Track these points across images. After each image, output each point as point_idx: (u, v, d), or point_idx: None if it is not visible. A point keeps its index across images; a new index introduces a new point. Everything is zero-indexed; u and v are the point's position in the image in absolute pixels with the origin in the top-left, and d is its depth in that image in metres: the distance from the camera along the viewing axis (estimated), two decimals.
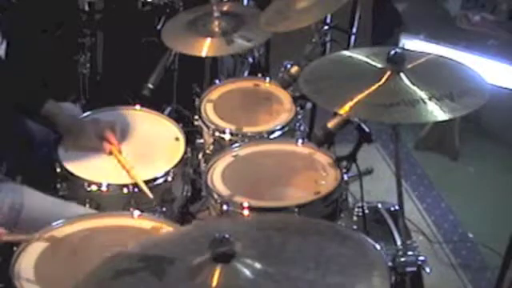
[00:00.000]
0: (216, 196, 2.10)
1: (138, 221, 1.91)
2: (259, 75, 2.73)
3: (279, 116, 2.47)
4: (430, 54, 1.97)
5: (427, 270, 1.94)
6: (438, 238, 3.09)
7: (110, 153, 2.22)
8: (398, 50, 1.83)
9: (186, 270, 1.33)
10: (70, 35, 3.13)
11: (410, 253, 1.94)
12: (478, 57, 3.30)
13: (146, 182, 2.12)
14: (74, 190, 2.16)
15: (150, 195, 2.09)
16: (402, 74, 1.80)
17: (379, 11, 3.94)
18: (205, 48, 2.53)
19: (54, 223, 1.86)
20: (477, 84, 1.83)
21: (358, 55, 1.96)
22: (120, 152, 2.22)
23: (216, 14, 2.59)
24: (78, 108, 2.51)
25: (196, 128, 2.51)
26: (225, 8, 2.68)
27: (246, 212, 2.01)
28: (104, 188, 2.11)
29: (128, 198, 2.11)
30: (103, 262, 1.42)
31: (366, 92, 1.77)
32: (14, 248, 1.79)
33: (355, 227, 2.19)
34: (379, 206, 2.27)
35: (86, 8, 3.19)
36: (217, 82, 2.69)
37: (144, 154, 2.25)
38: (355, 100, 1.75)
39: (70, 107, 2.44)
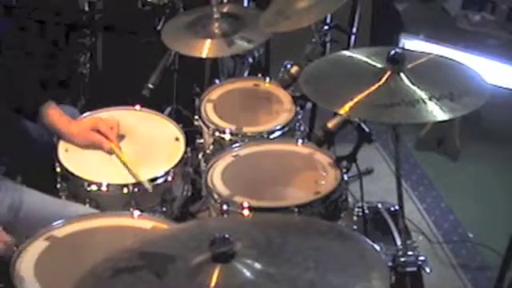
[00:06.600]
0: (216, 196, 2.10)
1: (138, 221, 1.91)
2: (259, 75, 2.73)
3: (279, 116, 2.47)
4: (430, 53, 1.97)
5: (427, 269, 1.94)
6: (437, 238, 3.09)
7: (110, 151, 2.22)
8: (397, 49, 1.83)
9: (185, 270, 1.33)
10: (69, 35, 3.13)
11: (410, 253, 1.94)
12: (478, 57, 3.30)
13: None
14: (74, 189, 2.16)
15: (150, 188, 2.09)
16: (402, 74, 1.80)
17: (379, 11, 3.94)
18: (205, 49, 2.53)
19: (54, 223, 1.86)
20: (477, 84, 1.83)
21: (357, 55, 1.96)
22: (120, 149, 2.22)
23: (216, 16, 2.59)
24: (76, 111, 2.50)
25: (196, 128, 2.51)
26: (225, 9, 2.68)
27: (246, 212, 2.01)
28: (104, 188, 2.11)
29: (128, 198, 2.11)
30: (102, 260, 1.42)
31: (366, 92, 1.77)
32: (14, 248, 1.79)
33: (355, 227, 2.19)
34: (379, 205, 2.27)
35: (86, 8, 3.20)
36: (217, 81, 2.69)
37: (144, 154, 2.25)
38: (355, 100, 1.75)
39: (68, 110, 2.44)
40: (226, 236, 1.32)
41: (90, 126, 2.24)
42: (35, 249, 1.79)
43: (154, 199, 2.14)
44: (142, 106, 2.47)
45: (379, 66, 1.86)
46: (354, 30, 3.02)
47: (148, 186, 2.10)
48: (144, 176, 2.13)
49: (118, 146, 2.22)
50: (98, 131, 2.23)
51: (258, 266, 1.32)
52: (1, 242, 1.79)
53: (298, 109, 2.48)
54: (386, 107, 1.72)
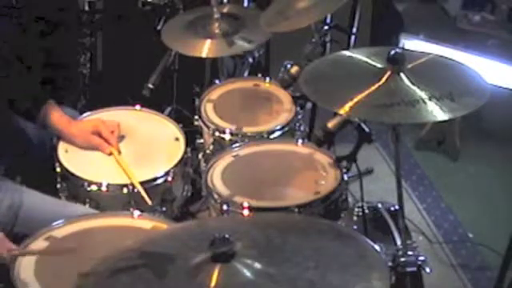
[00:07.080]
0: (216, 196, 2.10)
1: (138, 221, 1.91)
2: (259, 75, 2.73)
3: (279, 116, 2.47)
4: (430, 53, 1.98)
5: (427, 269, 1.94)
6: (438, 238, 3.09)
7: (110, 154, 2.22)
8: (397, 49, 1.83)
9: (185, 270, 1.33)
10: (70, 35, 3.12)
11: (410, 253, 1.94)
12: (478, 57, 3.30)
13: (146, 182, 2.13)
14: (73, 189, 2.16)
15: (149, 201, 2.09)
16: (402, 74, 1.81)
17: (379, 11, 3.94)
18: (205, 49, 2.53)
19: (54, 223, 1.86)
20: (477, 84, 1.83)
21: (357, 55, 1.96)
22: (120, 153, 2.22)
23: (216, 16, 2.59)
24: (76, 113, 2.50)
25: (196, 128, 2.51)
26: (225, 10, 2.68)
27: (246, 212, 2.01)
28: (104, 188, 2.11)
29: (128, 197, 2.11)
30: (102, 260, 1.42)
31: (366, 92, 1.77)
32: (16, 252, 1.79)
33: (355, 227, 2.19)
34: (379, 205, 2.27)
35: (86, 8, 3.19)
36: (217, 81, 2.69)
37: (144, 154, 2.25)
38: (355, 100, 1.75)
39: (68, 112, 2.43)
40: (226, 236, 1.32)
41: (91, 128, 2.24)
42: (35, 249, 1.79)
43: (153, 199, 2.14)
44: (142, 105, 2.47)
45: (379, 65, 1.86)
46: (354, 30, 3.02)
47: (147, 199, 2.09)
48: (143, 177, 2.13)
49: (118, 150, 2.22)
50: (99, 134, 2.23)
51: (258, 265, 1.32)
52: (4, 250, 1.78)
53: (298, 109, 2.48)
54: (386, 107, 1.73)
